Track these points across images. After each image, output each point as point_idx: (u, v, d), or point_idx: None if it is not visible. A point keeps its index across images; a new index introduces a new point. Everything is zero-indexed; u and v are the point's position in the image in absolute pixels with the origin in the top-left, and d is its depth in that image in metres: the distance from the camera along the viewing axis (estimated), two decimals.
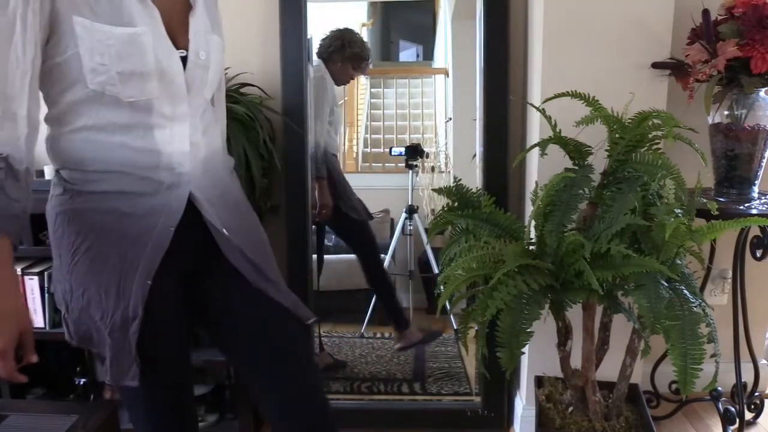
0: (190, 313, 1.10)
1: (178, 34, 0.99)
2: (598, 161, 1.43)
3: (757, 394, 1.87)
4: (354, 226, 2.35)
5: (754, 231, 1.55)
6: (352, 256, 2.45)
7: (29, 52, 0.88)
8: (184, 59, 1.00)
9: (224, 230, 1.05)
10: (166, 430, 1.13)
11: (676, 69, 1.59)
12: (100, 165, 0.97)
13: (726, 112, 1.53)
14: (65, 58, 0.91)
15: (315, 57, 2.22)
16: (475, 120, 1.99)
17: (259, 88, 1.90)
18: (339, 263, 2.40)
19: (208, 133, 1.07)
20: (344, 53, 2.23)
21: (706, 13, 1.46)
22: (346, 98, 2.53)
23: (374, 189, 2.67)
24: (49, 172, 1.92)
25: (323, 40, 2.23)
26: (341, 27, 2.26)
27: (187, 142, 1.01)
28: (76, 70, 0.92)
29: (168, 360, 1.07)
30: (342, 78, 2.31)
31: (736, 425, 1.69)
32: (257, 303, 1.09)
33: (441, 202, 1.67)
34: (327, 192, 2.20)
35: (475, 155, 2.04)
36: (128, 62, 0.92)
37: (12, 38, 0.85)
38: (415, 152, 2.68)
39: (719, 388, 1.70)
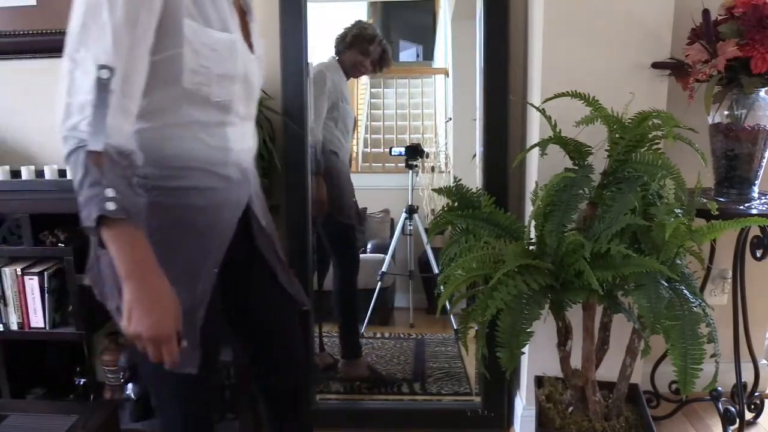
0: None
1: (246, 36, 1.06)
2: (598, 161, 1.43)
3: (757, 394, 1.87)
4: (339, 229, 2.31)
5: (754, 231, 1.55)
6: None
7: (148, 52, 0.90)
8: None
9: (263, 222, 1.15)
10: (196, 422, 1.15)
11: (676, 69, 1.59)
12: (177, 161, 0.99)
13: (726, 112, 1.53)
14: (164, 57, 0.93)
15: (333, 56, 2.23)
16: (475, 120, 1.99)
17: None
18: None
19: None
20: (346, 40, 2.21)
21: (706, 13, 1.46)
22: None
23: (374, 189, 2.68)
24: (49, 172, 1.92)
25: (340, 34, 2.23)
26: (354, 22, 2.26)
27: (252, 139, 1.10)
28: (172, 69, 0.93)
29: (214, 347, 1.11)
30: (351, 68, 2.25)
31: (736, 425, 1.69)
32: (273, 288, 1.20)
33: (441, 202, 1.67)
34: (323, 188, 2.17)
35: (475, 155, 2.04)
36: (225, 66, 0.98)
37: (136, 37, 0.87)
38: (415, 152, 2.68)
39: (719, 388, 1.70)
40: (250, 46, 1.06)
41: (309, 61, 1.92)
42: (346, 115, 2.26)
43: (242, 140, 1.06)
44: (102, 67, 0.85)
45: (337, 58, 2.24)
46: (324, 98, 2.16)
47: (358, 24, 2.26)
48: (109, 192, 0.83)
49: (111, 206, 0.82)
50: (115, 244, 0.86)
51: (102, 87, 0.85)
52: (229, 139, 1.03)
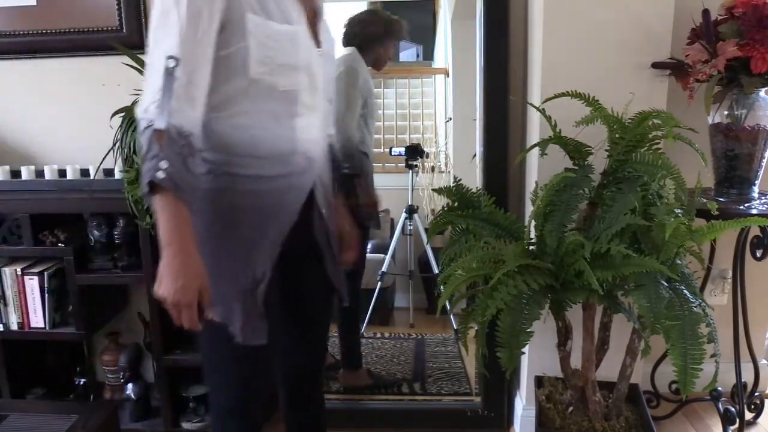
0: None
1: (313, 33, 1.12)
2: (598, 161, 1.43)
3: (757, 394, 1.87)
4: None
5: (754, 231, 1.55)
6: None
7: (211, 45, 0.99)
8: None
9: (324, 211, 1.18)
10: (253, 396, 1.19)
11: (676, 69, 1.59)
12: (245, 149, 1.06)
13: (726, 112, 1.53)
14: (231, 51, 1.01)
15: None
16: (475, 120, 1.99)
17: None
18: None
19: (330, 124, 1.23)
20: (373, 34, 2.10)
21: (706, 13, 1.46)
22: None
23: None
24: (49, 172, 1.92)
25: (352, 26, 2.11)
26: (362, 11, 2.16)
27: (319, 130, 1.14)
28: (240, 61, 1.02)
29: (274, 329, 1.14)
30: (377, 62, 2.15)
31: (736, 425, 1.69)
32: (320, 277, 1.26)
33: (441, 202, 1.66)
34: (371, 189, 2.08)
35: (475, 155, 2.04)
36: (288, 55, 1.05)
37: (199, 32, 0.97)
38: (415, 152, 2.67)
39: (719, 388, 1.70)
40: (318, 41, 1.13)
41: None
42: (374, 112, 2.15)
43: (308, 130, 1.11)
44: (169, 57, 0.95)
45: (360, 51, 2.11)
46: (357, 94, 2.05)
47: (384, 17, 2.14)
48: (163, 164, 0.93)
49: (161, 175, 0.92)
50: (160, 211, 0.95)
51: (168, 74, 0.95)
52: (296, 129, 1.09)
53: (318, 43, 1.13)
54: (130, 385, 1.96)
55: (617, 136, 1.38)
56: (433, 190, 1.89)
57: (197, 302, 0.98)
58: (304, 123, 1.10)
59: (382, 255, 2.66)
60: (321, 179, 1.18)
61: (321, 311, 1.36)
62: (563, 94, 1.44)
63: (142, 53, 1.94)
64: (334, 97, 1.32)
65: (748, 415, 1.84)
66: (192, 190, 0.98)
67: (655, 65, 1.62)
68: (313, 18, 1.14)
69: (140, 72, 1.71)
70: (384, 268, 2.63)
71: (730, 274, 1.78)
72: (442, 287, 1.40)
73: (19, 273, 1.86)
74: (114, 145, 1.65)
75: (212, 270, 1.03)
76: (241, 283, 1.09)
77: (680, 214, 1.28)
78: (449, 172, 3.52)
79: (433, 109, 4.14)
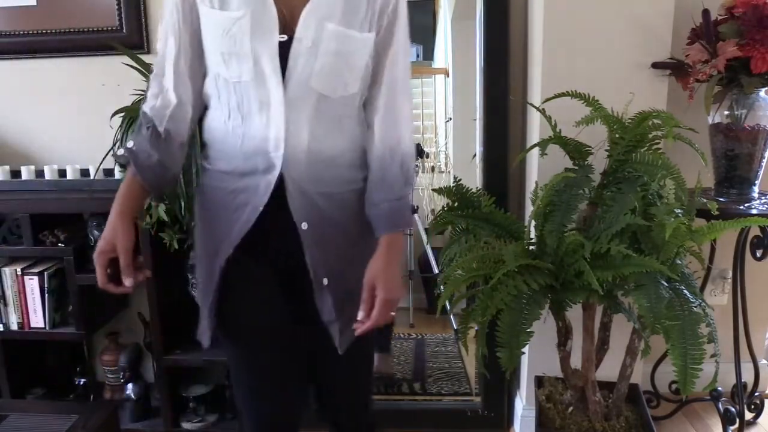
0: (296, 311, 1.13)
1: (288, 19, 1.01)
2: (598, 161, 1.43)
3: (757, 394, 1.87)
4: None
5: (754, 231, 1.55)
6: None
7: (174, 40, 1.05)
8: (287, 44, 0.99)
9: (303, 224, 1.04)
10: (260, 398, 1.17)
11: (676, 69, 1.59)
12: (216, 145, 1.08)
13: (726, 112, 1.53)
14: (205, 46, 1.06)
15: None
16: (475, 120, 1.99)
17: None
18: None
19: (320, 125, 1.04)
20: None
21: (706, 13, 1.46)
22: None
23: None
24: (49, 172, 1.92)
25: None
26: None
27: (282, 128, 1.01)
28: (207, 56, 1.06)
29: (252, 332, 1.12)
30: None
31: (736, 425, 1.69)
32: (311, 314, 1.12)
33: (441, 202, 1.66)
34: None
35: (475, 155, 2.04)
36: (228, 44, 1.00)
37: (169, 26, 1.05)
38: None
39: (719, 388, 1.70)
40: (291, 29, 1.00)
41: None
42: None
43: (271, 128, 1.01)
44: (158, 54, 1.08)
45: None
46: None
47: None
48: (129, 143, 1.07)
49: (121, 151, 1.10)
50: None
51: (154, 68, 1.08)
52: (257, 127, 1.02)
53: (290, 32, 1.00)
54: (130, 385, 1.96)
55: (617, 136, 1.38)
56: (433, 190, 1.89)
57: (106, 265, 1.03)
58: (264, 120, 1.01)
59: None
60: (300, 185, 1.04)
61: (324, 346, 1.13)
62: (563, 94, 1.44)
63: (142, 53, 1.94)
64: (392, 106, 1.10)
65: (748, 415, 1.84)
66: (148, 168, 1.05)
67: (655, 65, 1.62)
68: (285, 5, 1.01)
69: (140, 72, 1.71)
70: None
71: (730, 274, 1.78)
72: (442, 287, 1.40)
73: (19, 273, 1.86)
74: (114, 145, 1.65)
75: (196, 260, 1.15)
76: (202, 281, 1.13)
77: (680, 214, 1.27)
78: (449, 172, 3.52)
79: (433, 109, 4.15)
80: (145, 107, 1.07)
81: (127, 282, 1.02)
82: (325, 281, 1.08)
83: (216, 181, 1.09)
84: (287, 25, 1.00)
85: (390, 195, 1.07)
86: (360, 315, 1.05)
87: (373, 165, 1.09)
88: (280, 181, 1.02)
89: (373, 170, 1.09)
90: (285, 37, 1.00)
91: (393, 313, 1.08)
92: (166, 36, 1.05)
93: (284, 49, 1.00)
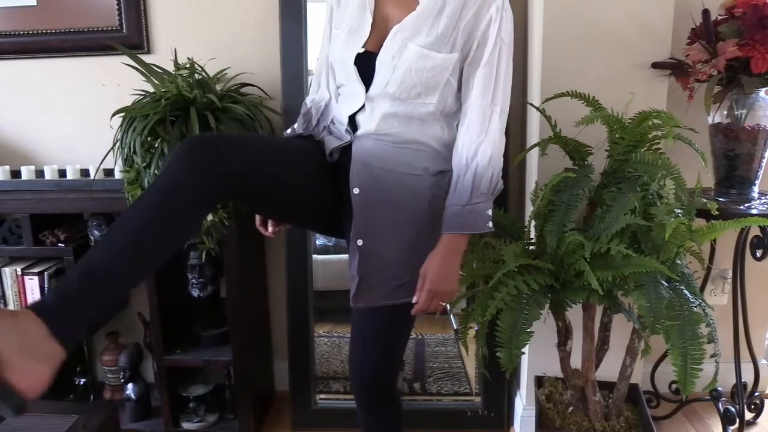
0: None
1: (377, 39, 1.23)
2: (598, 161, 1.43)
3: (757, 394, 1.87)
4: None
5: (754, 231, 1.55)
6: None
7: (325, 46, 1.35)
8: (368, 56, 1.22)
9: (355, 189, 1.23)
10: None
11: (676, 69, 1.59)
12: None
13: (726, 112, 1.53)
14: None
15: None
16: None
17: (259, 88, 1.90)
18: (339, 263, 2.40)
19: (393, 118, 1.23)
20: None
21: (706, 13, 1.46)
22: None
23: None
24: (49, 172, 1.92)
25: None
26: None
27: (351, 112, 1.25)
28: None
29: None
30: None
31: (736, 425, 1.69)
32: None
33: None
34: None
35: None
36: (333, 53, 1.30)
37: (323, 43, 1.37)
38: None
39: (719, 388, 1.70)
40: (379, 45, 1.21)
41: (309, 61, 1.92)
42: None
43: (347, 112, 1.27)
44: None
45: None
46: None
47: None
48: (296, 124, 1.42)
49: (288, 131, 1.44)
50: None
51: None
52: (340, 108, 1.30)
53: (377, 47, 1.21)
54: (130, 385, 1.96)
55: (617, 136, 1.38)
56: None
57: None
58: (344, 106, 1.28)
59: None
60: (363, 158, 1.23)
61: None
62: (563, 94, 1.44)
63: (142, 53, 1.95)
64: (407, 98, 1.23)
65: (748, 415, 1.84)
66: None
67: (655, 65, 1.62)
68: (383, 25, 1.22)
69: (140, 72, 1.71)
70: None
71: (730, 274, 1.78)
72: None
73: (19, 273, 1.86)
74: (114, 145, 1.65)
75: None
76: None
77: (680, 214, 1.27)
78: None
79: None
80: (307, 98, 1.41)
81: (266, 232, 1.40)
82: (360, 242, 1.23)
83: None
84: (382, 39, 1.20)
85: (458, 200, 1.20)
86: (414, 299, 1.20)
87: (453, 170, 1.23)
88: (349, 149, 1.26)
89: (453, 175, 1.23)
90: (363, 50, 1.22)
91: (443, 304, 1.20)
92: (322, 47, 1.37)
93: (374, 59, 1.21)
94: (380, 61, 1.21)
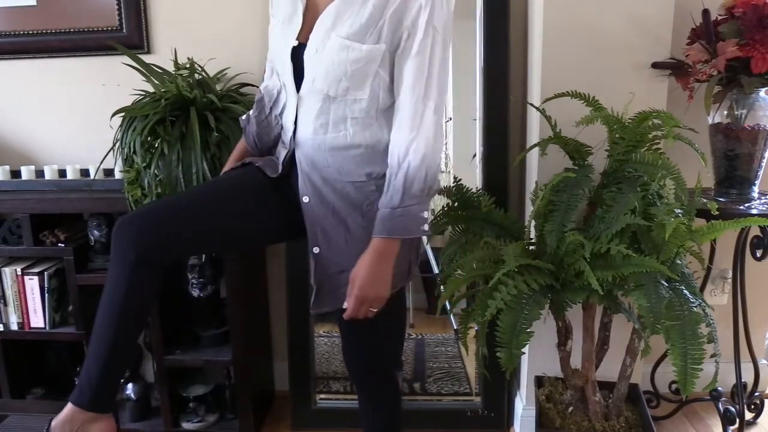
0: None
1: (307, 28, 1.17)
2: (598, 161, 1.43)
3: (757, 394, 1.87)
4: None
5: (754, 231, 1.55)
6: None
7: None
8: (302, 49, 1.16)
9: (305, 197, 1.22)
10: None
11: (676, 69, 1.59)
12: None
13: (726, 112, 1.53)
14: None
15: None
16: (475, 120, 1.99)
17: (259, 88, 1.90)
18: None
19: (327, 120, 1.17)
20: None
21: (706, 13, 1.46)
22: None
23: None
24: (49, 172, 1.92)
25: None
26: None
27: (291, 118, 1.22)
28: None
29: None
30: None
31: (736, 425, 1.69)
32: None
33: (441, 202, 1.67)
34: None
35: (475, 155, 2.04)
36: (270, 46, 1.27)
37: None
38: None
39: (719, 388, 1.70)
40: (307, 36, 1.16)
41: None
42: None
43: (288, 115, 1.24)
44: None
45: None
46: None
47: None
48: (251, 111, 1.35)
49: (243, 118, 1.38)
50: None
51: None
52: (283, 112, 1.28)
53: (305, 39, 1.14)
54: (130, 385, 1.95)
55: (617, 136, 1.38)
56: None
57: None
58: (286, 108, 1.25)
59: None
60: (307, 163, 1.20)
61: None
62: (563, 94, 1.44)
63: (142, 53, 1.94)
64: (336, 95, 1.17)
65: (748, 415, 1.84)
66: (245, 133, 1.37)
67: (655, 65, 1.62)
68: (313, 13, 1.15)
69: (140, 72, 1.71)
70: None
71: (730, 274, 1.78)
72: (442, 287, 1.40)
73: (19, 273, 1.86)
74: (114, 145, 1.65)
75: None
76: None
77: (680, 214, 1.28)
78: (449, 171, 3.51)
79: None
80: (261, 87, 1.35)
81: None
82: (316, 250, 1.23)
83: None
84: (311, 29, 1.15)
85: (389, 203, 1.12)
86: (345, 304, 1.18)
87: (387, 171, 1.15)
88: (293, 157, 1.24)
89: (387, 175, 1.15)
90: (297, 43, 1.16)
91: (374, 310, 1.16)
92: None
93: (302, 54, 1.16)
94: (306, 55, 1.14)
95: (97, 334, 1.11)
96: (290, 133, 1.22)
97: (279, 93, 1.28)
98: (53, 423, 1.11)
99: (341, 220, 1.20)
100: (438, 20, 1.11)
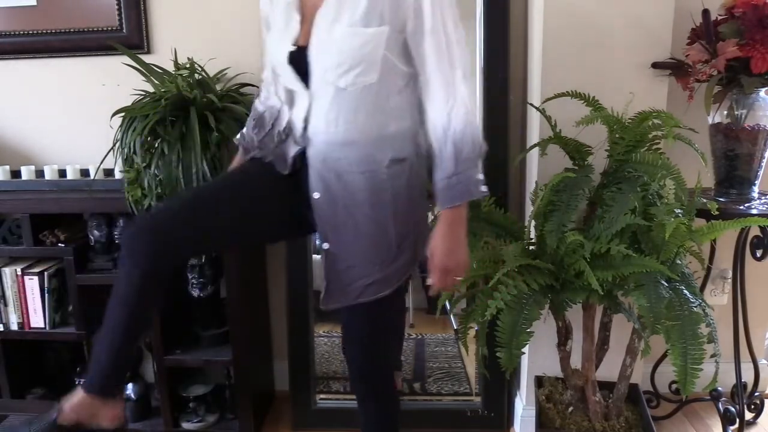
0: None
1: (305, 32, 1.20)
2: (598, 161, 1.43)
3: (757, 394, 1.87)
4: None
5: (754, 231, 1.55)
6: None
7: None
8: (302, 51, 1.18)
9: (315, 194, 1.23)
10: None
11: (676, 69, 1.59)
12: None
13: (726, 112, 1.53)
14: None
15: None
16: None
17: (259, 88, 1.90)
18: None
19: (338, 114, 1.19)
20: None
21: (706, 13, 1.46)
22: None
23: None
24: (49, 172, 1.92)
25: None
26: None
27: (302, 116, 1.23)
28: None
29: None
30: None
31: (736, 425, 1.69)
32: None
33: None
34: None
35: None
36: (270, 57, 1.31)
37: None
38: None
39: (719, 388, 1.70)
40: (306, 39, 1.19)
41: None
42: None
43: (298, 114, 1.25)
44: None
45: None
46: None
47: None
48: (245, 128, 1.42)
49: (238, 137, 1.43)
50: None
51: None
52: (292, 113, 1.29)
53: (305, 41, 1.18)
54: (130, 385, 1.95)
55: (617, 136, 1.38)
56: None
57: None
58: (294, 109, 1.27)
59: None
60: (318, 158, 1.22)
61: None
62: (563, 94, 1.44)
63: (142, 53, 1.94)
64: (348, 85, 1.19)
65: (748, 415, 1.84)
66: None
67: (655, 65, 1.62)
68: (310, 15, 1.18)
69: (140, 72, 1.71)
70: None
71: (730, 274, 1.78)
72: None
73: (19, 273, 1.86)
74: (114, 145, 1.65)
75: None
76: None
77: (680, 214, 1.28)
78: None
79: None
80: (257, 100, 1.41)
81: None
82: (326, 246, 1.25)
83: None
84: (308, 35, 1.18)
85: (444, 173, 1.15)
86: (429, 280, 1.21)
87: (433, 145, 1.18)
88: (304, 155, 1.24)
89: (434, 149, 1.18)
90: (295, 47, 1.20)
91: (458, 278, 1.20)
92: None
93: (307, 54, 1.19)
94: (313, 51, 1.18)
95: (109, 327, 1.17)
96: (300, 131, 1.24)
97: (280, 111, 1.31)
98: (65, 407, 1.15)
99: (351, 214, 1.22)
100: None
